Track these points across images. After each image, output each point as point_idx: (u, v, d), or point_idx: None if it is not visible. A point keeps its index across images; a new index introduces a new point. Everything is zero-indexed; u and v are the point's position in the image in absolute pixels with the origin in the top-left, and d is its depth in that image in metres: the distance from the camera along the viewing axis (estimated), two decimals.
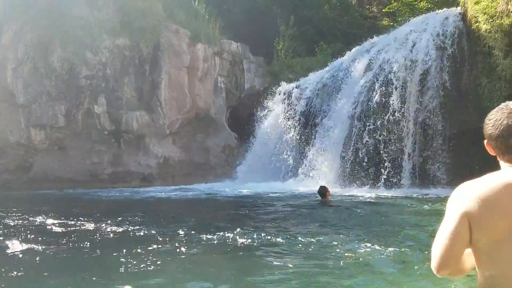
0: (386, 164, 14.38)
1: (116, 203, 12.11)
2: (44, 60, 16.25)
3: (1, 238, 6.67)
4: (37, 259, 5.66)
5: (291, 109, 17.85)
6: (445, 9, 16.41)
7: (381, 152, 14.58)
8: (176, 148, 18.10)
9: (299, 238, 6.57)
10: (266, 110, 18.28)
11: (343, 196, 12.33)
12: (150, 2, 17.42)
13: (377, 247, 5.82)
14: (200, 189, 15.35)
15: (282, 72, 20.35)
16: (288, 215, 9.50)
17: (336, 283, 4.58)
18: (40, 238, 6.69)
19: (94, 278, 4.76)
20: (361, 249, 5.79)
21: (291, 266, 5.32)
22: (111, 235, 7.02)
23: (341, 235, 6.82)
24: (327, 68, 18.22)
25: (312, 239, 6.50)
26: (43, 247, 6.18)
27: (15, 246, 6.13)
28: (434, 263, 1.72)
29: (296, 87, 18.35)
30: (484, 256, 1.66)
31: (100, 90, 16.62)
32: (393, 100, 14.73)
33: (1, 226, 7.73)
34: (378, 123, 14.72)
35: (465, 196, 1.69)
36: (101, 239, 6.79)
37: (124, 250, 5.77)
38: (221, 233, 6.77)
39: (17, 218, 8.61)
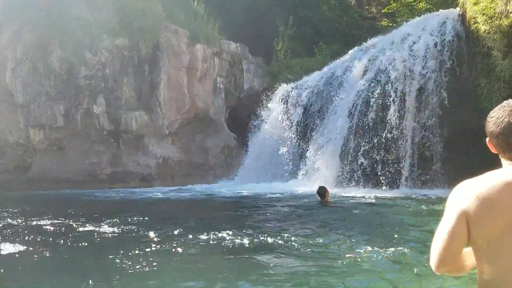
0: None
1: (115, 203, 12.10)
2: (43, 60, 16.23)
3: None
4: (34, 260, 5.65)
5: (290, 109, 17.86)
6: (444, 10, 16.44)
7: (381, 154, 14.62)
8: (175, 148, 18.09)
9: (298, 239, 6.57)
10: (265, 111, 18.29)
11: (342, 196, 12.34)
12: (149, 2, 17.42)
13: (377, 248, 5.82)
14: (199, 189, 15.35)
15: (281, 73, 20.35)
16: (287, 215, 9.50)
17: (336, 283, 4.58)
18: (37, 239, 6.68)
19: (92, 279, 4.76)
20: (361, 250, 5.79)
21: (290, 266, 5.32)
22: (109, 236, 7.01)
23: (340, 236, 6.82)
24: (325, 70, 18.23)
25: (311, 240, 6.50)
26: (41, 248, 6.18)
27: (12, 246, 6.12)
28: (432, 261, 1.74)
29: (295, 88, 18.36)
30: (483, 254, 1.68)
31: (99, 90, 16.60)
32: (392, 92, 14.81)
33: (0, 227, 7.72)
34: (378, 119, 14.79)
35: (464, 195, 1.70)
36: (99, 240, 6.78)
37: (122, 251, 5.76)
38: (220, 234, 6.77)
39: (15, 218, 8.60)
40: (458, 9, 15.24)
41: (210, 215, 9.92)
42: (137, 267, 5.11)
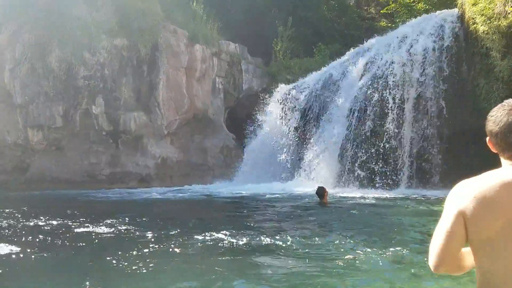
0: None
1: (113, 204, 12.07)
2: (42, 61, 16.21)
3: None
4: (32, 260, 5.64)
5: (289, 109, 17.87)
6: (443, 10, 16.46)
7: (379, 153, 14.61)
8: (174, 148, 18.08)
9: (297, 240, 6.56)
10: (264, 111, 18.29)
11: (341, 197, 12.33)
12: (148, 2, 17.41)
13: (375, 249, 5.82)
14: (197, 190, 15.33)
15: (280, 73, 20.36)
16: (286, 216, 9.50)
17: (335, 284, 4.57)
18: (35, 240, 6.67)
19: (90, 280, 4.75)
20: (359, 251, 5.78)
21: (288, 267, 5.31)
22: (107, 236, 7.00)
23: (339, 237, 6.81)
24: (323, 70, 18.24)
25: (309, 241, 6.49)
26: (39, 248, 6.16)
27: (10, 247, 6.10)
28: (431, 261, 1.75)
29: (294, 88, 18.36)
30: (481, 254, 1.68)
31: (98, 91, 16.59)
32: (390, 99, 14.79)
33: None
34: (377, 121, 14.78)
35: (461, 195, 1.71)
36: (97, 240, 6.76)
37: (120, 252, 5.75)
38: (218, 235, 6.76)
39: (13, 219, 8.58)
40: (456, 9, 15.26)
41: (209, 215, 9.90)
42: (135, 267, 5.10)
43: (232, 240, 6.49)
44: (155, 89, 17.30)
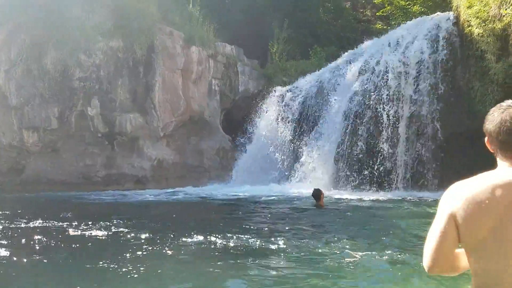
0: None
1: (108, 206, 12.01)
2: (37, 62, 16.15)
3: None
4: (25, 263, 5.61)
5: (285, 111, 17.89)
6: (438, 13, 16.53)
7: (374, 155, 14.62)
8: (170, 150, 18.04)
9: (292, 242, 6.56)
10: (260, 113, 18.31)
11: (337, 198, 12.35)
12: (144, 4, 17.38)
13: (371, 251, 5.83)
14: (193, 192, 15.29)
15: (276, 75, 20.38)
16: (282, 218, 9.50)
17: (329, 286, 4.57)
18: (29, 242, 6.63)
19: (83, 283, 4.73)
20: (355, 253, 5.79)
21: (283, 270, 5.31)
22: (101, 239, 6.96)
23: (334, 239, 6.82)
24: (319, 72, 18.28)
25: (304, 243, 6.49)
26: (32, 251, 6.14)
27: (3, 250, 6.07)
28: (425, 262, 1.77)
29: (290, 90, 18.39)
30: (473, 255, 1.70)
31: (94, 92, 16.54)
32: (385, 99, 14.83)
33: None
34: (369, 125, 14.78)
35: (453, 197, 1.73)
36: (90, 243, 6.72)
37: (113, 254, 5.73)
38: (212, 237, 6.73)
39: (7, 221, 8.52)
40: (451, 12, 15.33)
41: (203, 218, 9.87)
42: (129, 270, 5.08)
43: (226, 242, 6.48)
44: (151, 91, 17.27)
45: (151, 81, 17.25)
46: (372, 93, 14.94)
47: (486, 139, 1.83)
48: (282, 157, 17.14)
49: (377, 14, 24.38)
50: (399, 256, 5.60)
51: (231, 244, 6.39)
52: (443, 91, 14.47)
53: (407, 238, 6.90)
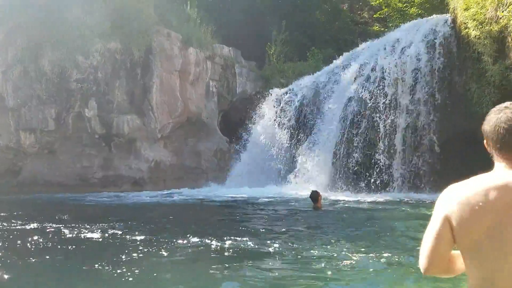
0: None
1: (104, 208, 11.97)
2: (35, 64, 16.12)
3: None
4: (19, 265, 5.59)
5: (282, 113, 17.90)
6: (435, 15, 16.58)
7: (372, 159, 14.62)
8: (167, 152, 18.02)
9: (289, 244, 6.55)
10: (257, 115, 18.31)
11: (334, 200, 12.35)
12: (142, 6, 17.37)
13: (368, 252, 5.83)
14: (190, 193, 15.26)
15: (274, 77, 20.40)
16: (280, 220, 9.49)
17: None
18: (25, 244, 6.60)
19: (78, 285, 4.71)
20: (351, 254, 5.79)
21: (280, 272, 5.30)
22: (96, 241, 6.92)
23: (332, 241, 6.82)
24: (318, 73, 18.30)
25: (301, 245, 6.49)
26: (27, 253, 6.11)
27: None
28: (421, 264, 1.79)
29: (288, 92, 18.41)
30: (468, 257, 1.71)
31: (91, 94, 16.51)
32: (383, 104, 14.83)
33: None
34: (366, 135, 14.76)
35: (448, 200, 1.74)
36: (86, 245, 6.69)
37: (108, 257, 5.71)
38: (208, 240, 6.69)
39: (3, 223, 8.49)
40: (448, 14, 15.38)
41: (200, 220, 9.83)
42: (124, 272, 5.06)
43: (222, 244, 6.46)
44: (149, 92, 17.26)
45: (149, 83, 17.24)
46: (368, 101, 14.91)
47: (484, 140, 1.84)
48: (280, 158, 17.14)
49: (374, 16, 24.44)
50: (395, 257, 5.60)
51: (228, 246, 6.38)
52: (440, 101, 14.48)
53: (404, 240, 6.91)
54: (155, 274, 5.12)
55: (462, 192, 1.70)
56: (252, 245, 6.49)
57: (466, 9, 13.57)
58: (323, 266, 5.32)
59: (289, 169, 16.53)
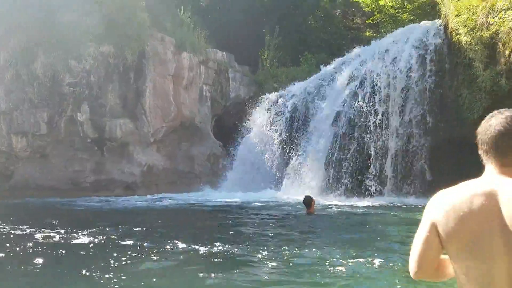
0: (370, 163, 14.46)
1: (94, 212, 11.84)
2: (27, 67, 16.04)
3: None
4: (7, 270, 5.53)
5: (275, 118, 17.94)
6: (426, 21, 16.72)
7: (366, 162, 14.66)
8: (160, 156, 17.98)
9: (282, 249, 6.54)
10: (251, 119, 18.34)
11: (327, 205, 12.37)
12: (135, 10, 17.37)
13: (359, 257, 5.85)
14: (182, 198, 15.20)
15: (267, 82, 20.45)
16: (272, 225, 9.48)
17: None
18: (14, 249, 6.55)
19: None
20: (343, 259, 5.81)
21: (272, 276, 5.30)
22: (84, 246, 6.84)
23: (325, 246, 6.83)
24: (311, 78, 18.37)
25: (293, 250, 6.48)
26: (14, 258, 6.06)
27: None
28: (410, 268, 1.81)
29: (281, 96, 18.46)
30: (454, 262, 1.73)
31: (84, 98, 16.45)
32: (376, 109, 14.91)
33: None
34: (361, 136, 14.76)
35: (435, 206, 1.76)
36: (74, 250, 6.62)
37: (97, 262, 5.67)
38: (199, 245, 6.62)
39: None
40: (440, 20, 15.52)
41: (191, 224, 9.76)
42: (112, 278, 5.03)
43: (213, 250, 6.43)
44: (142, 97, 17.23)
45: (142, 87, 17.21)
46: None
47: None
48: (273, 162, 17.16)
49: (366, 22, 24.59)
50: (387, 262, 5.62)
51: (218, 252, 6.35)
52: (431, 99, 14.59)
53: (396, 244, 6.94)
54: (144, 280, 5.09)
55: (449, 199, 1.73)
56: (244, 250, 6.48)
57: (457, 15, 13.70)
58: (315, 271, 5.33)
59: (282, 173, 16.54)
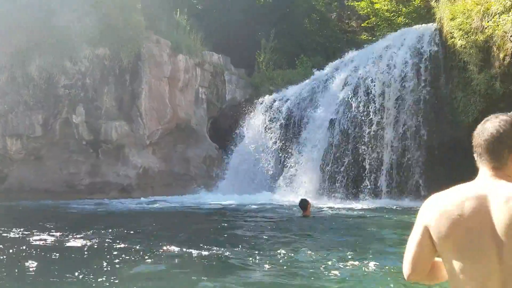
0: (365, 176, 14.47)
1: (88, 215, 11.73)
2: (22, 69, 15.98)
3: None
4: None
5: (271, 120, 17.96)
6: (421, 24, 16.80)
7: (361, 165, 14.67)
8: (156, 158, 17.94)
9: (277, 252, 6.53)
10: (247, 122, 18.35)
11: (323, 208, 12.38)
12: (131, 12, 17.35)
13: (358, 261, 5.85)
14: (177, 200, 15.14)
15: (263, 84, 20.48)
16: (267, 228, 9.47)
17: None
18: (3, 252, 6.50)
19: None
20: (341, 263, 5.81)
21: (266, 278, 5.29)
22: (77, 249, 6.79)
23: (320, 248, 6.83)
24: (307, 81, 18.39)
25: (290, 253, 6.47)
26: (6, 261, 6.02)
27: None
28: (404, 270, 1.82)
29: (277, 99, 18.48)
30: (447, 265, 1.74)
31: (79, 100, 16.40)
32: (372, 114, 14.94)
33: None
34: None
35: (428, 209, 1.78)
36: (66, 253, 6.57)
37: (89, 266, 5.64)
38: (192, 249, 6.55)
39: None
40: (435, 24, 15.60)
41: (185, 228, 9.63)
42: (104, 281, 5.00)
43: (206, 253, 6.41)
44: (137, 99, 17.21)
45: (138, 89, 17.19)
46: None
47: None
48: (268, 165, 17.16)
49: (362, 25, 24.70)
50: (383, 264, 5.63)
51: (212, 255, 6.33)
52: (427, 102, 14.65)
53: (391, 247, 6.95)
54: (137, 284, 5.07)
55: (441, 202, 1.74)
56: (238, 253, 6.46)
57: (452, 19, 13.78)
58: (310, 274, 5.32)
59: (278, 176, 16.54)
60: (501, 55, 12.15)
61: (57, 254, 6.44)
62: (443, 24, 14.48)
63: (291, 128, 17.25)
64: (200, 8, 24.46)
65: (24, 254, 6.45)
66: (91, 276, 5.18)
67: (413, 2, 21.09)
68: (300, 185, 15.38)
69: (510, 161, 1.73)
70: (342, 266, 5.55)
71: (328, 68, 17.93)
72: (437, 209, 1.73)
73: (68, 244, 7.12)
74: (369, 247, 6.85)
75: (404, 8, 21.30)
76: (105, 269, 5.55)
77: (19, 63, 15.93)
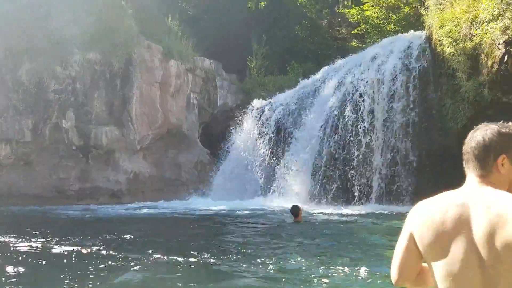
0: (355, 182, 14.53)
1: (76, 221, 11.56)
2: (12, 73, 15.87)
3: None
4: None
5: (262, 126, 17.99)
6: (411, 32, 16.99)
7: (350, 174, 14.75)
8: (146, 163, 17.88)
9: (267, 258, 6.52)
10: (238, 127, 18.37)
11: (314, 214, 12.40)
12: (122, 17, 17.34)
13: (348, 266, 5.87)
14: (166, 206, 15.05)
15: (255, 90, 20.55)
16: (258, 234, 9.46)
17: None
18: None
19: None
20: (332, 268, 5.83)
21: (259, 284, 5.29)
22: (63, 256, 6.70)
23: (311, 254, 6.85)
24: (297, 88, 18.47)
25: (281, 259, 6.47)
26: None
27: None
28: (392, 275, 1.85)
29: (268, 105, 18.54)
30: (432, 271, 1.76)
31: (69, 105, 16.32)
32: (362, 120, 15.05)
33: None
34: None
35: (414, 216, 1.80)
36: (53, 260, 6.49)
37: (76, 273, 5.58)
38: (181, 255, 6.50)
39: None
40: (424, 31, 15.78)
41: (174, 234, 9.55)
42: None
43: (195, 260, 6.36)
44: (128, 104, 17.16)
45: (128, 94, 17.14)
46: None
47: None
48: (260, 171, 17.18)
49: (352, 32, 24.91)
50: (373, 270, 5.66)
51: (200, 261, 6.29)
52: (416, 109, 14.79)
53: (381, 252, 6.99)
54: None
55: (426, 209, 1.76)
56: (228, 260, 6.44)
57: (441, 27, 13.94)
58: (300, 280, 5.33)
59: (269, 181, 16.56)
60: (489, 63, 12.31)
61: (43, 261, 6.37)
62: (432, 32, 14.64)
63: (281, 141, 17.30)
64: (192, 14, 24.52)
65: (9, 260, 6.36)
66: (77, 283, 5.13)
67: (403, 9, 21.34)
68: (291, 191, 15.41)
69: (494, 169, 1.76)
70: (332, 272, 5.58)
71: (319, 74, 18.00)
72: (423, 216, 1.75)
73: (54, 251, 7.03)
74: (360, 252, 6.89)
75: (394, 16, 21.53)
76: (91, 276, 5.50)
77: (8, 67, 15.82)
